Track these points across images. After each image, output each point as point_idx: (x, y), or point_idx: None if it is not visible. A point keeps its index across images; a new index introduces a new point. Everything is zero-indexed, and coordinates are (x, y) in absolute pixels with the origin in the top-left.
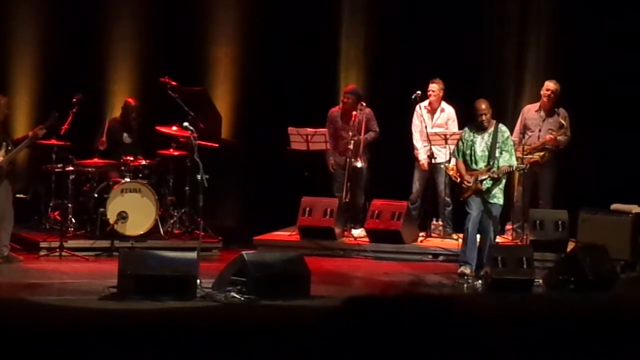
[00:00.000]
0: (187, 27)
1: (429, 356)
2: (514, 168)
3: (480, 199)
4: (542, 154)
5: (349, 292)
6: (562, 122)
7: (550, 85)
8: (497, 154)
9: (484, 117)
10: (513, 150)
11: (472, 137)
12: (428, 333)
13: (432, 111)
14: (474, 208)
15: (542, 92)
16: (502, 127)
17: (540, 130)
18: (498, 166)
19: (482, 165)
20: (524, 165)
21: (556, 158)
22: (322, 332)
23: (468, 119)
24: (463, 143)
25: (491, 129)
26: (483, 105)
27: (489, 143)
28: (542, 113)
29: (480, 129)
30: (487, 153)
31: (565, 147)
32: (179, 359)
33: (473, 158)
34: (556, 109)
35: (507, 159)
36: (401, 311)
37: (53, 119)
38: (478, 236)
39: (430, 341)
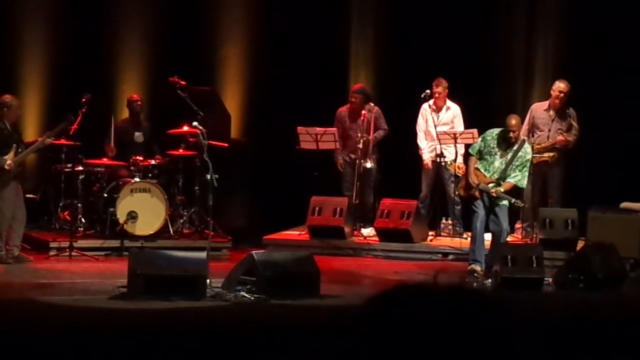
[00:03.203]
0: (196, 26)
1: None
2: (512, 201)
3: (485, 199)
4: (552, 154)
5: (359, 292)
6: (574, 123)
7: (561, 85)
8: (509, 171)
9: (511, 134)
10: (526, 173)
11: (495, 145)
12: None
13: (437, 110)
14: (481, 207)
15: (552, 93)
16: (527, 149)
17: (549, 130)
18: (504, 180)
19: (491, 176)
20: (522, 204)
21: (565, 157)
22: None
23: (475, 117)
24: (484, 145)
25: (516, 146)
26: (513, 121)
27: (508, 158)
28: (552, 112)
29: (506, 143)
30: (502, 167)
31: (574, 145)
32: (189, 359)
33: (488, 166)
34: (567, 110)
35: (517, 179)
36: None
37: (69, 121)
38: (487, 235)
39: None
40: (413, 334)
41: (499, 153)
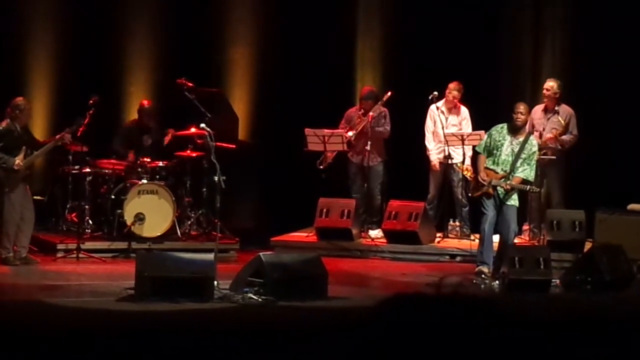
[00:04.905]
0: (204, 28)
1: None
2: (527, 188)
3: (496, 200)
4: (542, 152)
5: (366, 293)
6: (561, 120)
7: (549, 84)
8: (518, 164)
9: (520, 116)
10: (534, 166)
11: (501, 138)
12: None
13: (447, 112)
14: (490, 208)
15: None
16: (533, 141)
17: (544, 129)
18: (513, 176)
19: (501, 169)
20: (537, 189)
21: (564, 157)
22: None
23: (483, 120)
24: (490, 141)
25: (522, 138)
26: (521, 107)
27: (515, 151)
28: (546, 112)
29: (513, 129)
30: (510, 159)
31: (571, 146)
32: None
33: (497, 160)
34: (557, 107)
35: (526, 173)
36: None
37: (79, 124)
38: (495, 237)
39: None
40: (415, 341)
41: (505, 143)
